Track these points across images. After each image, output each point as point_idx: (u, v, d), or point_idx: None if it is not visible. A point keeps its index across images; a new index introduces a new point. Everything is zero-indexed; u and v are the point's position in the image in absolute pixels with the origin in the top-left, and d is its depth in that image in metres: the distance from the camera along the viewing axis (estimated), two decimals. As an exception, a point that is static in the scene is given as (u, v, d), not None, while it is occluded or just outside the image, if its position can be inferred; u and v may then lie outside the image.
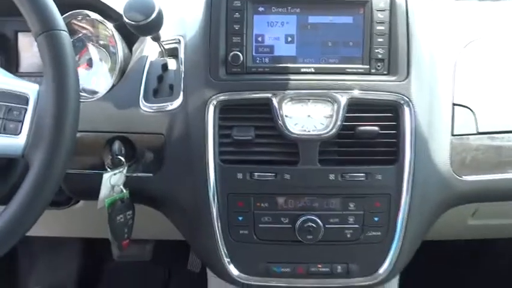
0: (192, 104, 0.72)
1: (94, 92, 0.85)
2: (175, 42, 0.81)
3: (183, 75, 0.75)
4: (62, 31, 0.57)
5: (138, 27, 0.74)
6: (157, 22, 0.71)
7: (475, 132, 0.77)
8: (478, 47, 0.84)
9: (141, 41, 0.89)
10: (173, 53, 0.81)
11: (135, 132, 0.75)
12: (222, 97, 0.70)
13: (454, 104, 0.78)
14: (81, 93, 0.82)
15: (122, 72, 0.81)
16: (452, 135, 0.76)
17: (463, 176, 0.77)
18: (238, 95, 0.70)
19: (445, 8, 0.99)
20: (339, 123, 0.69)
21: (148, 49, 0.83)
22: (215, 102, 0.70)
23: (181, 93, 0.74)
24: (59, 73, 0.55)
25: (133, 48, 0.86)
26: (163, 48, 0.80)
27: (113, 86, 0.79)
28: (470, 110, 0.78)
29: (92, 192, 0.77)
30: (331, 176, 0.70)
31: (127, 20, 0.73)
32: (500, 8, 1.01)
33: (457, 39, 0.84)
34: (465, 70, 0.81)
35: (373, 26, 0.71)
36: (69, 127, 0.58)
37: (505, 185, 0.79)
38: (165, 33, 0.78)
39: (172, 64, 0.81)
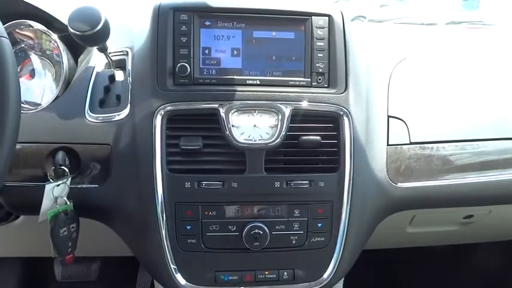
0: (140, 114, 0.72)
1: (37, 104, 0.82)
2: (123, 54, 0.82)
3: (130, 86, 0.76)
4: (2, 37, 0.55)
5: (84, 38, 0.73)
6: (103, 33, 0.71)
7: (408, 142, 0.83)
8: (410, 64, 0.91)
9: (87, 52, 0.88)
10: (121, 65, 0.81)
11: (80, 142, 0.74)
12: (169, 107, 0.71)
13: (389, 116, 0.83)
14: (23, 106, 0.80)
15: (67, 83, 0.80)
16: (388, 145, 0.79)
17: (398, 183, 0.82)
18: (186, 105, 0.71)
19: (381, 30, 1.06)
20: (283, 132, 0.71)
21: (95, 60, 0.82)
22: (163, 112, 0.71)
23: (129, 103, 0.75)
24: None
25: (79, 60, 0.86)
26: (110, 59, 0.79)
27: (57, 96, 0.78)
28: (404, 121, 0.84)
29: (34, 206, 0.74)
30: (277, 184, 0.72)
31: (72, 30, 0.73)
32: (430, 31, 1.11)
33: (391, 57, 0.90)
34: (398, 85, 0.87)
35: (314, 42, 0.74)
36: (9, 133, 0.57)
37: (435, 192, 0.85)
38: (112, 44, 0.78)
39: (119, 75, 0.81)
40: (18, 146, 0.65)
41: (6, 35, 0.59)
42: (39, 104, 0.79)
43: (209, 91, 0.72)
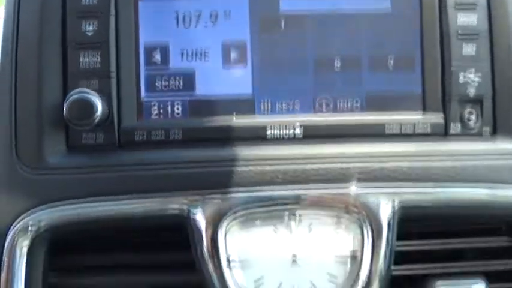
0: None
1: None
2: None
3: None
4: None
5: None
6: None
7: None
8: None
9: None
10: None
11: None
12: (55, 213, 0.31)
13: None
14: None
15: None
16: None
17: None
18: (96, 209, 0.31)
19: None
20: (378, 274, 0.30)
21: None
22: (33, 231, 0.31)
23: None
24: None
25: None
26: None
27: None
28: None
29: None
30: None
31: None
32: None
33: None
34: None
35: (449, 15, 0.33)
36: None
37: None
38: None
39: None
40: None
41: None
42: None
43: (163, 165, 0.32)
